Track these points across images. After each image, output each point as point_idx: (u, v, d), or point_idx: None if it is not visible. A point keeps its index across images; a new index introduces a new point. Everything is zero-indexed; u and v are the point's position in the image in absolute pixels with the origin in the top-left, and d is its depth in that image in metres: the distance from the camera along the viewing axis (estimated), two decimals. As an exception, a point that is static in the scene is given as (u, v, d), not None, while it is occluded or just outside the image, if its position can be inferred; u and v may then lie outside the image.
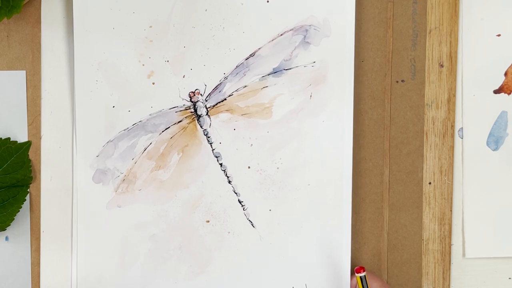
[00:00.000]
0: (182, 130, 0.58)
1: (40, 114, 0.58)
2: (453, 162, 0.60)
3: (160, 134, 0.58)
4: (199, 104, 0.58)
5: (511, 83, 0.59)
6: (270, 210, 0.58)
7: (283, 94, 0.57)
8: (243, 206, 0.58)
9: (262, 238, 0.58)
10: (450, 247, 0.60)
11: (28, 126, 0.58)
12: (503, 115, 0.59)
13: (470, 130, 0.59)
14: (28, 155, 0.58)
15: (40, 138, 0.59)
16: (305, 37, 0.57)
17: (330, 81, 0.57)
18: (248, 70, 0.57)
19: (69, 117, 0.59)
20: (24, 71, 0.58)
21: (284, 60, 0.57)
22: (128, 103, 0.58)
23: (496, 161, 0.59)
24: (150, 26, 0.57)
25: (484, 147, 0.59)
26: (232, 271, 0.58)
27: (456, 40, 0.59)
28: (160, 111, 0.58)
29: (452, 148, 0.60)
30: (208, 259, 0.59)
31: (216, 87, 0.58)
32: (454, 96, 0.59)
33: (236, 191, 0.58)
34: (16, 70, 0.58)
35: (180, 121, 0.58)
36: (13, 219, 0.57)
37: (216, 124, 0.58)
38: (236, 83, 0.58)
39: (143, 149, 0.58)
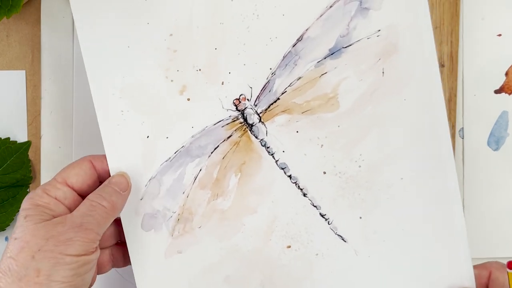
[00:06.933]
0: (235, 146, 0.48)
1: (40, 114, 0.58)
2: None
3: (210, 156, 0.48)
4: (248, 111, 0.48)
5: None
6: (360, 217, 0.48)
7: (348, 78, 0.47)
8: (327, 220, 0.48)
9: (358, 252, 0.48)
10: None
11: (28, 126, 0.58)
12: (503, 115, 0.58)
13: (471, 130, 0.58)
14: (28, 155, 0.57)
15: (40, 138, 0.58)
16: (361, 2, 0.46)
17: (404, 50, 0.46)
18: (299, 58, 0.47)
19: (69, 117, 0.57)
20: (24, 71, 0.57)
21: (340, 37, 0.47)
22: (164, 128, 0.48)
23: (497, 161, 0.58)
24: (171, 34, 0.47)
25: (485, 147, 0.58)
26: (329, 298, 0.49)
27: (457, 39, 0.57)
28: (204, 129, 0.48)
29: (453, 148, 0.53)
30: (299, 290, 0.49)
31: (264, 87, 0.48)
32: (455, 96, 0.57)
33: (315, 204, 0.48)
34: (16, 70, 0.57)
35: (230, 136, 0.48)
36: (13, 219, 0.56)
37: (274, 130, 0.48)
38: (287, 77, 0.47)
39: (193, 178, 0.48)
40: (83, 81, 0.56)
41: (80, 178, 0.46)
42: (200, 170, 0.48)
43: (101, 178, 0.48)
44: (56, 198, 0.45)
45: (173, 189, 0.48)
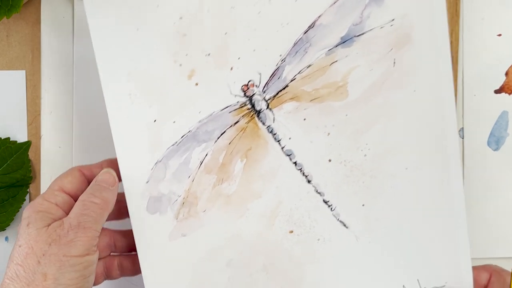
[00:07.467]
0: (241, 132, 0.48)
1: (40, 114, 0.58)
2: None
3: (216, 141, 0.48)
4: (256, 97, 0.48)
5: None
6: (363, 205, 0.49)
7: (358, 67, 0.47)
8: (330, 206, 0.49)
9: (359, 238, 0.49)
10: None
11: (28, 126, 0.58)
12: (503, 115, 0.58)
13: (471, 130, 0.58)
14: (28, 155, 0.57)
15: (40, 138, 0.58)
16: (375, -9, 0.46)
17: (417, 40, 0.46)
18: (310, 45, 0.47)
19: (69, 117, 0.57)
20: (24, 71, 0.57)
21: (353, 25, 0.46)
22: (171, 113, 0.47)
23: (497, 161, 0.58)
24: (180, 18, 0.46)
25: (485, 147, 0.58)
26: (329, 282, 0.50)
27: (457, 40, 0.57)
28: (211, 114, 0.48)
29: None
30: (300, 274, 0.50)
31: (273, 74, 0.47)
32: (455, 96, 0.57)
33: (318, 191, 0.49)
34: (16, 70, 0.57)
35: (237, 122, 0.48)
36: (13, 219, 0.57)
37: (281, 117, 0.48)
38: (297, 64, 0.47)
39: (199, 163, 0.48)
40: (83, 81, 0.56)
41: (74, 185, 0.47)
42: (206, 155, 0.48)
43: None
44: (56, 204, 0.46)
45: (179, 173, 0.48)
